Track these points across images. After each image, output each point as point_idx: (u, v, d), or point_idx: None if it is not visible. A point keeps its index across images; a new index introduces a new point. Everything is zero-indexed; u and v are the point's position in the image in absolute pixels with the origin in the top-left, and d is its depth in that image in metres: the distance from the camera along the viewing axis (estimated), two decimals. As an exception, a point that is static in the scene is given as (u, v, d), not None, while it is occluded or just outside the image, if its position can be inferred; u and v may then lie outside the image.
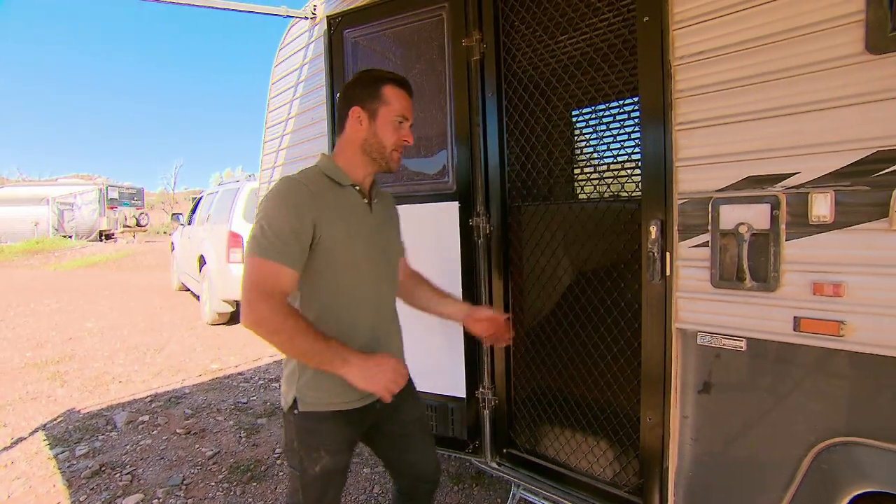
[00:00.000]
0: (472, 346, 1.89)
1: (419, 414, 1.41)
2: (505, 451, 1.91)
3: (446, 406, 1.98)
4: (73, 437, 3.07)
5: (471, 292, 1.87)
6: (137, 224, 19.87)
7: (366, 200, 1.26)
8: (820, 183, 1.10)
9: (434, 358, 1.98)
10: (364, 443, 1.39)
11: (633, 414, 1.54)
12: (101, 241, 18.24)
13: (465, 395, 1.94)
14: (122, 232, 19.28)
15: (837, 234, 1.08)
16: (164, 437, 3.07)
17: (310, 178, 1.18)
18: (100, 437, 3.06)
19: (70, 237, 17.73)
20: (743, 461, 1.25)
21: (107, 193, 18.89)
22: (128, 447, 2.93)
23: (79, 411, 3.50)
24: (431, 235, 1.94)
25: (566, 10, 1.63)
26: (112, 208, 19.08)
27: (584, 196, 2.05)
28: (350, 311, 1.21)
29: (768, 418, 1.20)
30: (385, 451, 1.40)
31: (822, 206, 1.09)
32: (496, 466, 1.91)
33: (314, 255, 1.15)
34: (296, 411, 1.20)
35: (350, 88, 1.26)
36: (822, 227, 1.10)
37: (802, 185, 1.12)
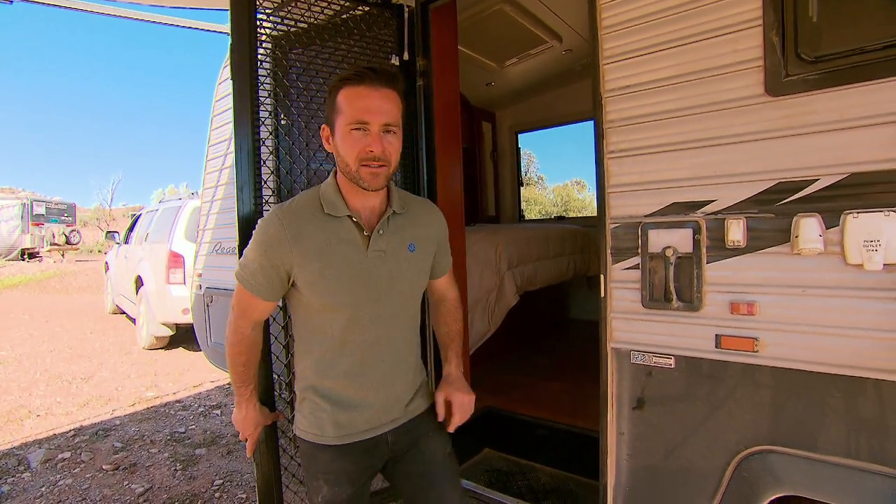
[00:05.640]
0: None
1: (443, 452, 1.27)
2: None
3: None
4: (-23, 481, 2.75)
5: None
6: (67, 242, 18.41)
7: (366, 233, 1.13)
8: (734, 210, 1.19)
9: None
10: (385, 478, 1.32)
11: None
12: (24, 260, 16.75)
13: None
14: (50, 250, 17.79)
15: (750, 257, 1.18)
16: (88, 475, 2.81)
17: (297, 209, 1.11)
18: (9, 480, 2.76)
19: (-15, 256, 16.20)
20: (675, 473, 1.31)
21: (32, 208, 17.43)
22: (43, 489, 2.66)
23: (-15, 452, 3.16)
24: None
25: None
26: (38, 224, 17.60)
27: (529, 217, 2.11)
28: (340, 359, 1.15)
29: (696, 432, 1.27)
30: (405, 489, 1.26)
31: (736, 232, 1.19)
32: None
33: (295, 298, 1.15)
34: (297, 434, 1.21)
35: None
36: (737, 251, 1.19)
37: (719, 212, 1.21)
